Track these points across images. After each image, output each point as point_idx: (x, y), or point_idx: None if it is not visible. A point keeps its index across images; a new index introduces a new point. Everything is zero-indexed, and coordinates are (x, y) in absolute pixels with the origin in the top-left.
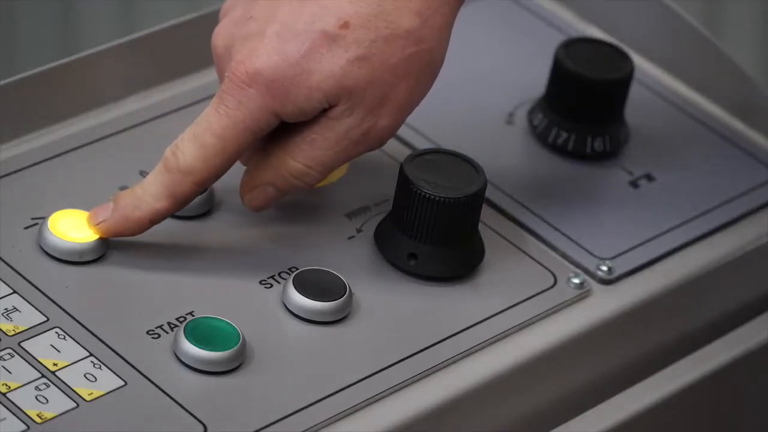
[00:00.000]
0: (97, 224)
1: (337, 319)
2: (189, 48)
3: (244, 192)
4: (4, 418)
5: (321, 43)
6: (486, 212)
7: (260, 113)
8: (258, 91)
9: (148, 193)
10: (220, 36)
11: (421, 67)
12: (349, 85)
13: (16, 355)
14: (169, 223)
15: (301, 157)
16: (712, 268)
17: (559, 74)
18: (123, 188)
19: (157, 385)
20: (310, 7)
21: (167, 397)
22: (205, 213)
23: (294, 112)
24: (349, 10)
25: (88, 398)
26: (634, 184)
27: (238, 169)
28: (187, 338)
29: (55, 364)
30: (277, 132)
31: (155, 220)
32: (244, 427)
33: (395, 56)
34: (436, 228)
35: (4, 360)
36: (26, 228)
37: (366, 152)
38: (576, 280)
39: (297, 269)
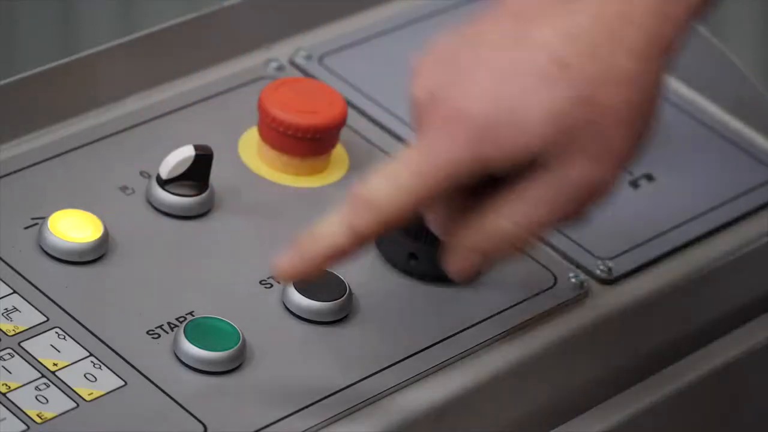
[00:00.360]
0: (277, 270)
1: (337, 319)
2: (189, 48)
3: (448, 258)
4: (4, 418)
5: (535, 84)
6: None
7: (466, 159)
8: (467, 135)
9: (329, 228)
10: (419, 88)
11: (641, 116)
12: (566, 126)
13: (16, 355)
14: (169, 223)
15: (512, 214)
16: (712, 268)
17: None
18: (123, 188)
19: (157, 385)
20: (522, 49)
21: (167, 397)
22: (205, 213)
23: (502, 157)
24: (567, 50)
25: (88, 398)
26: (634, 184)
27: (239, 168)
28: (187, 338)
29: (55, 364)
30: (481, 192)
31: (331, 255)
32: (244, 427)
33: (615, 99)
34: None
35: (4, 360)
36: (26, 228)
37: (582, 212)
38: (576, 280)
39: None
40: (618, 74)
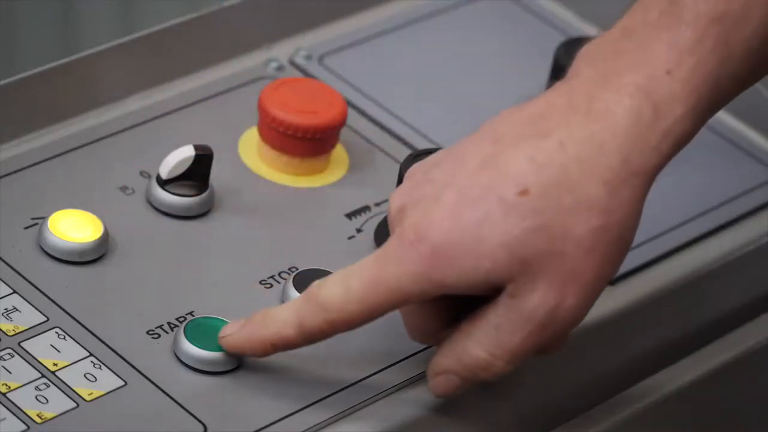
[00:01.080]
0: (223, 337)
1: None
2: (189, 48)
3: (429, 377)
4: (4, 418)
5: (496, 210)
6: None
7: (416, 278)
8: (420, 255)
9: (280, 316)
10: (396, 196)
11: (608, 241)
12: (523, 255)
13: (16, 355)
14: (169, 223)
15: (486, 343)
16: (712, 268)
17: (559, 74)
18: (123, 188)
19: (157, 385)
20: (490, 173)
21: (167, 397)
22: (205, 213)
23: (457, 282)
24: (531, 178)
25: (88, 398)
26: None
27: (239, 168)
28: (187, 338)
29: (55, 364)
30: (462, 319)
31: (278, 345)
32: (244, 427)
33: (579, 228)
34: None
35: (4, 360)
36: (26, 228)
37: (559, 340)
38: None
39: (297, 269)
40: (585, 202)
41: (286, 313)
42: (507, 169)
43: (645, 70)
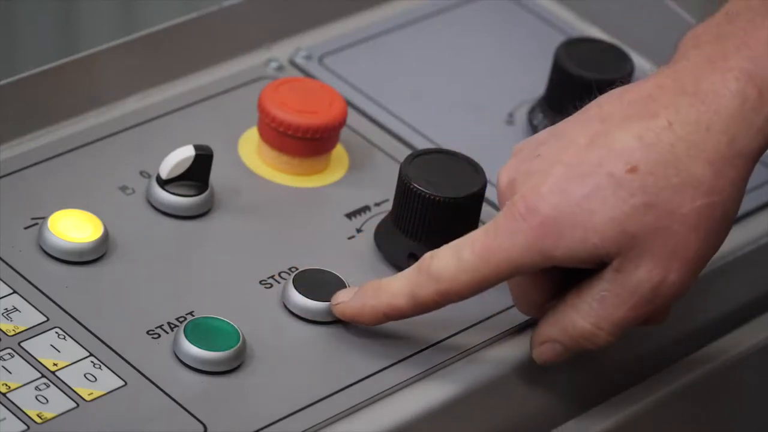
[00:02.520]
0: (336, 304)
1: (338, 319)
2: (189, 48)
3: (533, 345)
4: (4, 418)
5: (605, 186)
6: (486, 212)
7: (527, 249)
8: (530, 226)
9: (392, 286)
10: (505, 171)
11: (713, 219)
12: (631, 230)
13: (16, 355)
14: (169, 223)
15: (590, 316)
16: (712, 268)
17: (559, 74)
18: (123, 188)
19: (157, 385)
20: (599, 150)
21: (167, 397)
22: (205, 213)
23: (566, 255)
24: (639, 156)
25: (88, 398)
26: None
27: (239, 168)
28: (187, 338)
29: (55, 364)
30: (567, 292)
31: (390, 315)
32: (244, 427)
33: (685, 206)
34: (436, 228)
35: (4, 360)
36: (26, 228)
37: (660, 314)
38: None
39: (297, 269)
40: (691, 181)
41: (398, 283)
42: (615, 147)
43: (749, 53)
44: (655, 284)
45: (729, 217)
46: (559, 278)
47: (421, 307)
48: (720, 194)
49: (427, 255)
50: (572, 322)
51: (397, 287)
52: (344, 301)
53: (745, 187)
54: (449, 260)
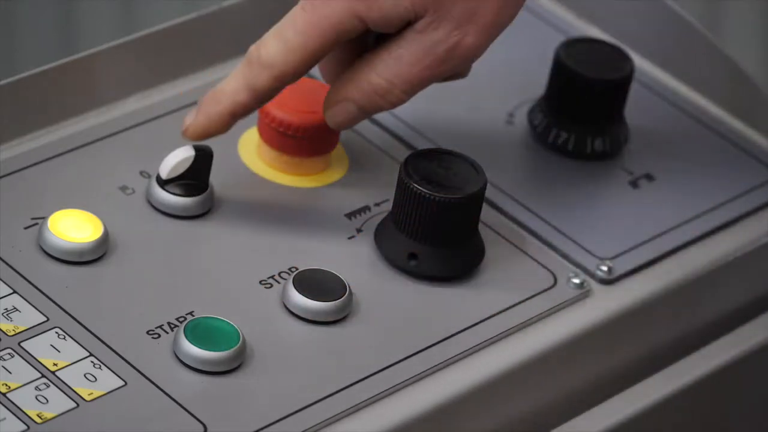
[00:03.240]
0: (185, 130)
1: (337, 319)
2: (189, 48)
3: (326, 107)
4: (4, 418)
5: None
6: (486, 212)
7: (345, 14)
8: None
9: (229, 87)
10: None
11: None
12: None
13: (16, 355)
14: (169, 223)
15: (386, 72)
16: (712, 268)
17: (559, 74)
18: (123, 188)
19: (157, 385)
20: None
21: (167, 397)
22: (205, 213)
23: (379, 17)
24: None
25: (88, 398)
26: (634, 184)
27: (239, 168)
28: (187, 338)
29: (55, 364)
30: (362, 53)
31: (237, 112)
32: (244, 427)
33: None
34: (436, 228)
35: (4, 360)
36: (26, 228)
37: (451, 74)
38: (576, 280)
39: (297, 269)
40: None
41: (234, 82)
42: None
43: None
44: (451, 45)
45: None
46: (363, 48)
47: (262, 96)
48: None
49: (253, 47)
50: (367, 78)
51: (233, 86)
52: (190, 122)
53: None
54: (276, 45)
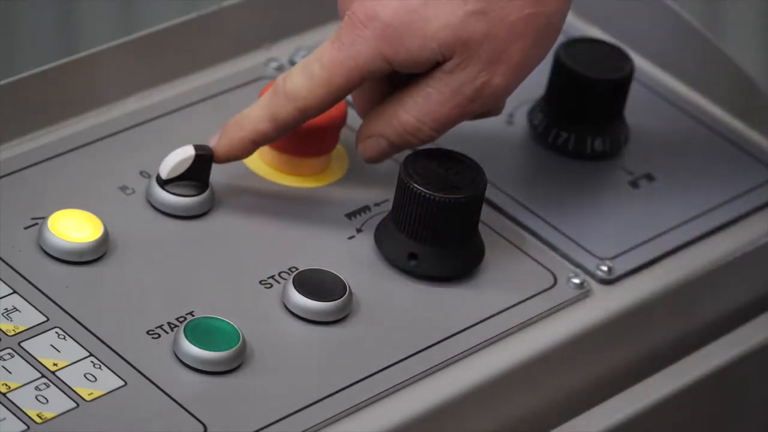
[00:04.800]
0: (212, 151)
1: (337, 319)
2: (189, 48)
3: (359, 141)
4: (4, 418)
5: None
6: (486, 212)
7: (371, 55)
8: (373, 33)
9: (253, 115)
10: None
11: (538, 29)
12: (464, 36)
13: (16, 355)
14: (169, 223)
15: (414, 110)
16: (712, 268)
17: (559, 74)
18: (123, 188)
19: (157, 385)
20: None
21: (167, 397)
22: (205, 213)
23: (406, 60)
24: None
25: (88, 398)
26: (634, 184)
27: (239, 168)
28: (187, 338)
29: (55, 364)
30: (396, 88)
31: (257, 141)
32: (244, 427)
33: (513, 14)
34: (436, 228)
35: (4, 360)
36: (26, 228)
37: (481, 113)
38: (576, 280)
39: (297, 269)
40: None
41: (258, 111)
42: None
43: None
44: (479, 86)
45: (553, 28)
46: (395, 84)
47: (284, 127)
48: (546, 5)
49: (280, 77)
50: (397, 116)
51: (257, 114)
52: (214, 145)
53: (570, 3)
54: (301, 78)
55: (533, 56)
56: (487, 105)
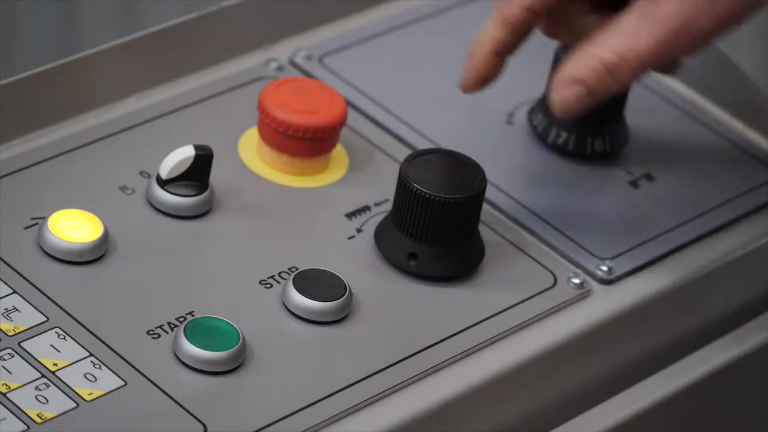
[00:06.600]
0: (463, 87)
1: (337, 319)
2: (189, 48)
3: (556, 92)
4: (4, 418)
5: None
6: (486, 212)
7: None
8: None
9: (487, 27)
10: None
11: None
12: None
13: (16, 355)
14: (169, 223)
15: (617, 46)
16: (712, 268)
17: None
18: (123, 188)
19: (157, 385)
20: None
21: (167, 397)
22: (205, 213)
23: None
24: None
25: (88, 398)
26: (634, 184)
27: (239, 168)
28: (187, 338)
29: (55, 364)
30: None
31: (498, 50)
32: (244, 427)
33: None
34: (436, 228)
35: (4, 360)
36: (26, 228)
37: (674, 57)
38: (576, 280)
39: (297, 269)
40: None
41: (489, 22)
42: None
43: None
44: (687, 18)
45: None
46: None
47: (516, 28)
48: None
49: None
50: (597, 55)
51: (490, 25)
52: (461, 76)
53: None
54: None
55: (745, 7)
56: (689, 45)
